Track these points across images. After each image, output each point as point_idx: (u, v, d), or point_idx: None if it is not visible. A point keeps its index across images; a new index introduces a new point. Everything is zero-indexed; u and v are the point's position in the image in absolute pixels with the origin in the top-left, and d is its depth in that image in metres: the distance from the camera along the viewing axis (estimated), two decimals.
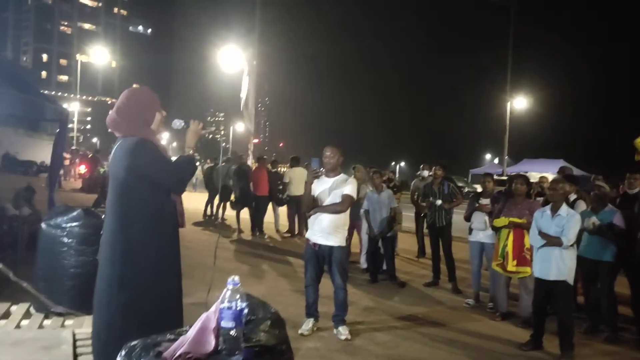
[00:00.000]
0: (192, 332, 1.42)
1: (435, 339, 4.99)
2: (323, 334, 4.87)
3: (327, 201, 4.75)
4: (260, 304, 1.64)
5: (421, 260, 9.17)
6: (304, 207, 4.98)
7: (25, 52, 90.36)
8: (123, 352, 1.44)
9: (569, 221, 4.67)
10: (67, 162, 22.19)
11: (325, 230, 4.72)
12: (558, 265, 4.67)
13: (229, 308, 1.37)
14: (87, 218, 3.72)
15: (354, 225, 8.14)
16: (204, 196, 14.23)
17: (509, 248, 5.51)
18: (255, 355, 1.40)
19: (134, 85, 2.90)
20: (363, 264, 7.81)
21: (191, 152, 2.83)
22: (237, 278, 1.43)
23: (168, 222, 2.70)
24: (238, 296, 1.40)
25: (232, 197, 11.93)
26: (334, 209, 4.77)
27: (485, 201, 6.20)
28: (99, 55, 54.79)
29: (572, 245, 4.69)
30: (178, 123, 2.88)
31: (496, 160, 46.23)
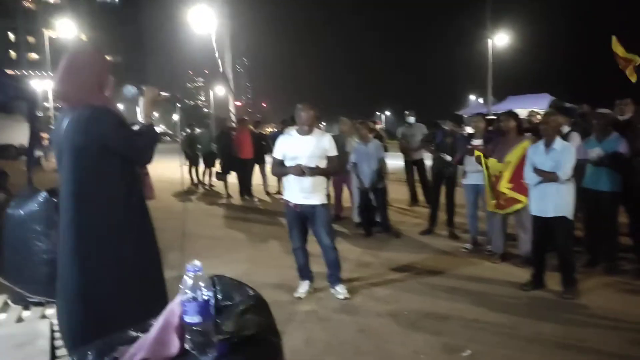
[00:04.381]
0: (153, 331, 1.20)
1: (436, 288, 4.86)
2: (320, 295, 4.72)
3: (307, 158, 4.44)
4: (236, 286, 1.41)
5: (414, 209, 9.03)
6: (277, 169, 4.70)
7: None
8: (75, 358, 1.23)
9: (564, 154, 4.48)
10: (46, 142, 21.60)
11: (306, 189, 4.46)
12: (556, 201, 4.51)
13: (193, 300, 1.14)
14: (52, 200, 3.45)
15: (343, 180, 7.95)
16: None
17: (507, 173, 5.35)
18: (232, 350, 1.19)
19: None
20: (356, 218, 7.64)
21: (149, 120, 2.53)
22: (198, 263, 1.20)
23: (135, 197, 2.44)
24: (202, 284, 1.17)
25: (218, 164, 11.67)
26: (335, 170, 4.73)
27: (477, 142, 5.97)
28: (67, 30, 52.66)
29: (568, 179, 4.51)
30: (132, 90, 2.55)
31: (481, 100, 45.98)
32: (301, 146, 4.46)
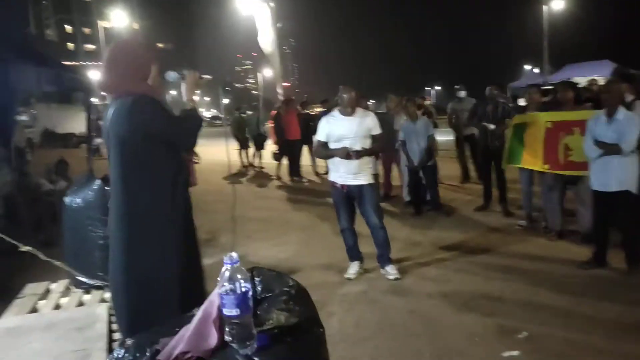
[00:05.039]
0: (193, 323, 1.19)
1: (489, 268, 4.72)
2: (371, 276, 4.68)
3: (352, 138, 4.39)
4: (275, 276, 1.38)
5: (466, 186, 8.80)
6: (322, 151, 4.66)
7: (48, 26, 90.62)
8: (118, 350, 1.24)
9: (627, 125, 4.20)
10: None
11: (352, 170, 4.40)
12: (619, 175, 4.25)
13: (231, 292, 1.12)
14: (106, 188, 3.55)
15: (392, 158, 7.83)
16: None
17: None
18: (273, 340, 1.16)
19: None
20: (406, 197, 7.52)
21: (192, 105, 2.54)
22: (235, 255, 1.17)
23: (180, 184, 2.46)
24: (240, 276, 1.14)
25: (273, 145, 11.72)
26: (380, 148, 4.78)
27: None
28: (120, 20, 54.39)
29: (633, 152, 4.23)
30: (172, 75, 2.57)
31: (537, 70, 44.11)
32: (345, 127, 4.41)
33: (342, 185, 4.51)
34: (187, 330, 1.19)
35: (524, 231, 5.83)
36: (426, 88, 63.34)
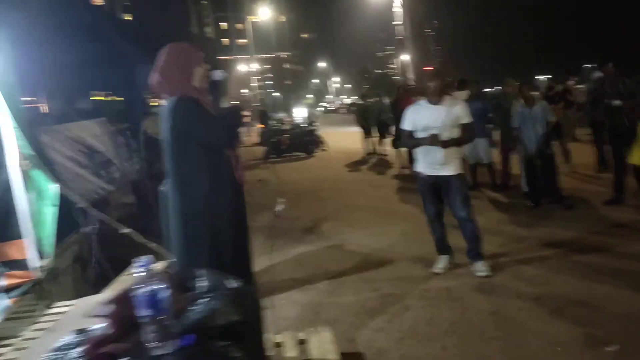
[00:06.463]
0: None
1: (598, 271, 4.19)
2: (460, 272, 4.45)
3: (438, 128, 4.17)
4: (217, 280, 1.40)
5: (603, 175, 7.88)
6: (408, 140, 4.48)
7: (207, 24, 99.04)
8: (68, 338, 1.36)
9: None
10: (247, 120, 23.93)
11: (439, 161, 4.21)
12: None
13: (144, 294, 1.17)
14: None
15: (510, 147, 7.33)
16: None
17: None
18: (198, 342, 1.19)
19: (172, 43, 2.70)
20: (524, 187, 6.97)
21: (234, 102, 2.64)
22: (146, 259, 1.22)
23: (224, 180, 2.60)
24: (153, 279, 1.19)
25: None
26: (465, 140, 4.38)
27: None
28: (268, 14, 58.02)
29: None
30: (219, 74, 2.70)
31: None
32: (432, 116, 4.23)
33: (428, 176, 4.35)
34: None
35: None
36: (584, 65, 57.14)
